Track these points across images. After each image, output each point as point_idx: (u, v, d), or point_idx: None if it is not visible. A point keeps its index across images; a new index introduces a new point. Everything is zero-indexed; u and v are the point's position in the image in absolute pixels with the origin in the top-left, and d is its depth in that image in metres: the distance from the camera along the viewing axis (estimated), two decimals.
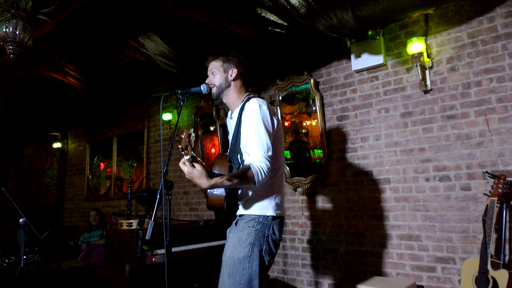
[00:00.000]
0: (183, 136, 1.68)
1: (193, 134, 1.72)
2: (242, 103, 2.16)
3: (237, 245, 1.99)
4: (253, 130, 2.00)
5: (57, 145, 7.42)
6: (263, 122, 2.01)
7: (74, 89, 4.74)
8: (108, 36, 3.43)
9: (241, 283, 1.92)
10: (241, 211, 2.10)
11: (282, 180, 2.24)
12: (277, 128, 2.12)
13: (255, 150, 1.95)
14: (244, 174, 1.88)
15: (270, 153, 1.96)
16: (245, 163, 1.99)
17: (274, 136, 2.06)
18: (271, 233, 2.03)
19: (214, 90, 2.21)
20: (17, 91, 4.91)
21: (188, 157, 1.71)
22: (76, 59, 3.98)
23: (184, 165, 1.77)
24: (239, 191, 2.12)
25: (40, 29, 3.16)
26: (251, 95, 2.23)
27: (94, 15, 3.12)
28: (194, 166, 1.76)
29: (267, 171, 1.91)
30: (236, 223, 2.10)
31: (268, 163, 1.92)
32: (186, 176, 1.80)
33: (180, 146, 1.66)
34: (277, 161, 2.06)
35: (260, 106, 2.05)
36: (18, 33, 2.73)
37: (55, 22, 3.07)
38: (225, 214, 2.12)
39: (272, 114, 2.11)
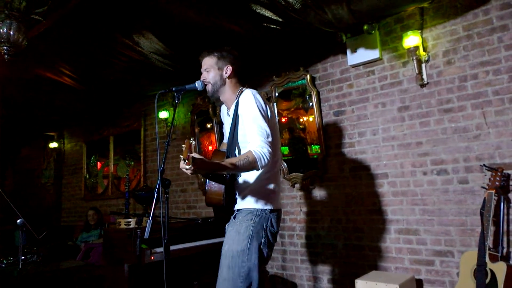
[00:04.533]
0: (184, 147, 1.70)
1: (194, 143, 1.74)
2: (236, 99, 2.17)
3: (235, 238, 2.01)
4: (251, 119, 2.01)
5: (53, 145, 7.40)
6: (259, 110, 2.03)
7: (69, 89, 4.71)
8: (102, 35, 3.41)
9: (240, 275, 1.94)
10: (239, 205, 2.12)
11: (279, 174, 2.26)
12: (271, 116, 2.13)
13: (255, 137, 1.97)
14: (247, 159, 1.89)
15: (270, 139, 1.98)
16: (246, 149, 2.00)
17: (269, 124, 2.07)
18: (269, 226, 2.06)
19: (209, 88, 2.20)
20: (13, 91, 4.88)
21: (189, 166, 1.72)
22: (71, 58, 3.96)
23: (184, 164, 1.75)
24: (237, 186, 2.12)
25: (34, 29, 3.13)
26: (243, 88, 2.22)
27: (88, 14, 3.09)
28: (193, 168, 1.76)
29: (269, 156, 1.93)
30: (234, 217, 2.11)
31: (269, 148, 1.94)
32: (189, 174, 1.81)
33: (181, 157, 1.69)
34: (274, 155, 2.06)
35: (254, 95, 2.07)
36: (12, 33, 2.72)
37: (49, 21, 3.05)
38: (224, 209, 2.14)
39: (266, 103, 2.14)
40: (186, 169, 1.75)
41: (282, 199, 3.95)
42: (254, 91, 2.12)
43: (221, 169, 1.91)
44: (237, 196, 2.13)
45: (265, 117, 2.03)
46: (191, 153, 1.72)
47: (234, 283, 1.94)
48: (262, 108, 2.05)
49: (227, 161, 1.90)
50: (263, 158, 1.91)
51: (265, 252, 2.03)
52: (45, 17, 2.86)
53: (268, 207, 2.07)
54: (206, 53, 2.25)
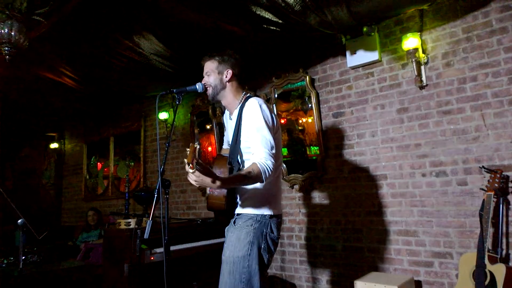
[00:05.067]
0: (188, 151, 1.67)
1: (198, 147, 1.72)
2: (240, 104, 2.16)
3: (236, 244, 2.00)
4: (255, 129, 2.01)
5: (54, 145, 7.41)
6: (265, 120, 2.02)
7: (70, 89, 4.73)
8: (103, 36, 3.42)
9: (242, 281, 1.94)
10: (239, 210, 2.11)
11: (280, 178, 2.26)
12: (276, 126, 2.13)
13: (259, 149, 1.96)
14: (252, 172, 1.88)
15: (274, 151, 1.98)
16: (249, 162, 1.99)
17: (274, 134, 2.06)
18: (269, 232, 2.05)
19: (209, 91, 2.20)
20: (13, 92, 4.90)
21: (192, 170, 1.70)
22: (71, 59, 3.97)
23: (192, 175, 1.72)
24: (238, 190, 2.12)
25: (36, 29, 3.15)
26: (248, 95, 2.23)
27: (89, 15, 3.11)
28: (199, 171, 1.73)
29: (272, 169, 1.93)
30: (234, 222, 2.11)
31: (273, 160, 1.94)
32: (196, 184, 1.77)
33: (186, 161, 1.65)
34: (276, 160, 2.07)
35: (260, 105, 2.06)
36: (14, 34, 2.73)
37: (50, 22, 3.06)
38: (225, 214, 2.14)
39: (272, 112, 2.13)
40: (191, 172, 1.74)
41: (281, 200, 3.95)
42: (261, 100, 2.11)
43: (228, 186, 1.91)
44: (238, 200, 2.12)
45: (270, 127, 2.02)
46: (196, 157, 1.71)
47: None
48: (268, 119, 2.05)
49: (233, 176, 1.91)
50: (267, 171, 1.90)
51: (265, 258, 2.03)
52: (46, 18, 2.88)
53: (268, 212, 2.06)
54: (207, 57, 2.26)
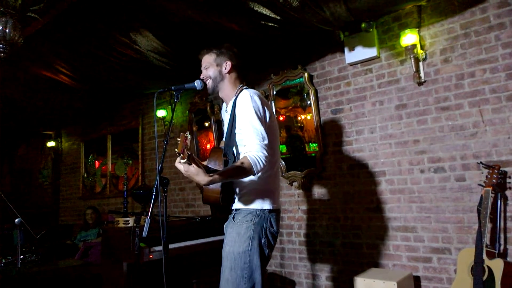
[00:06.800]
0: (179, 140, 1.66)
1: (189, 137, 1.70)
2: (235, 96, 2.14)
3: (236, 240, 1.99)
4: (246, 121, 1.98)
5: (51, 143, 7.38)
6: (256, 112, 1.99)
7: (67, 87, 4.70)
8: (99, 33, 3.40)
9: (243, 277, 1.93)
10: (237, 205, 2.10)
11: (278, 173, 2.24)
12: (270, 118, 2.10)
13: (251, 141, 1.94)
14: (242, 166, 1.86)
15: (266, 142, 1.94)
16: (241, 155, 1.97)
17: (267, 126, 2.04)
18: (269, 226, 2.05)
19: (209, 84, 2.19)
20: (9, 90, 4.86)
21: (184, 160, 1.69)
22: (67, 56, 3.94)
23: (180, 164, 1.74)
24: (235, 185, 2.11)
25: (30, 27, 3.12)
26: (244, 87, 2.21)
27: (85, 12, 3.08)
28: (190, 164, 1.74)
29: (265, 160, 1.89)
30: (233, 218, 2.09)
31: (265, 152, 1.91)
32: (183, 174, 1.77)
33: (176, 150, 1.64)
34: (274, 155, 2.05)
35: (251, 96, 2.03)
36: (8, 31, 2.70)
37: (45, 19, 3.03)
38: (220, 208, 2.11)
39: (264, 104, 2.09)
40: (183, 163, 1.72)
41: (280, 197, 3.94)
42: (253, 91, 2.08)
43: (218, 182, 1.86)
44: (235, 195, 2.11)
45: (261, 119, 1.99)
46: (187, 147, 1.69)
47: (237, 285, 1.92)
48: (259, 110, 2.01)
49: (223, 172, 1.87)
50: (259, 163, 1.87)
51: (266, 252, 2.02)
52: (41, 15, 2.85)
53: (268, 207, 2.05)
54: (205, 51, 2.25)
